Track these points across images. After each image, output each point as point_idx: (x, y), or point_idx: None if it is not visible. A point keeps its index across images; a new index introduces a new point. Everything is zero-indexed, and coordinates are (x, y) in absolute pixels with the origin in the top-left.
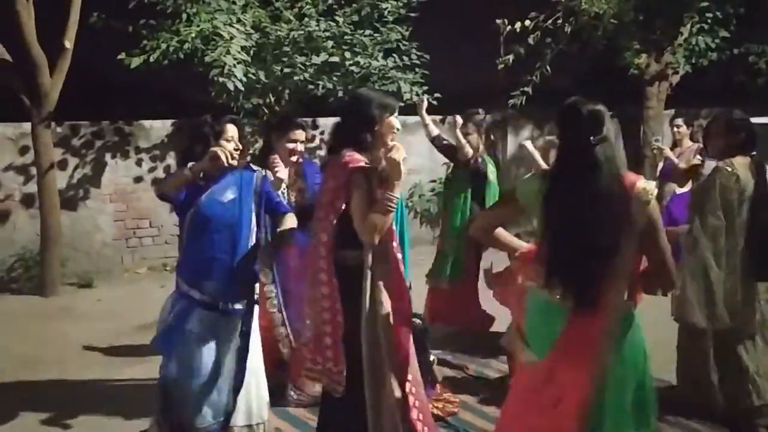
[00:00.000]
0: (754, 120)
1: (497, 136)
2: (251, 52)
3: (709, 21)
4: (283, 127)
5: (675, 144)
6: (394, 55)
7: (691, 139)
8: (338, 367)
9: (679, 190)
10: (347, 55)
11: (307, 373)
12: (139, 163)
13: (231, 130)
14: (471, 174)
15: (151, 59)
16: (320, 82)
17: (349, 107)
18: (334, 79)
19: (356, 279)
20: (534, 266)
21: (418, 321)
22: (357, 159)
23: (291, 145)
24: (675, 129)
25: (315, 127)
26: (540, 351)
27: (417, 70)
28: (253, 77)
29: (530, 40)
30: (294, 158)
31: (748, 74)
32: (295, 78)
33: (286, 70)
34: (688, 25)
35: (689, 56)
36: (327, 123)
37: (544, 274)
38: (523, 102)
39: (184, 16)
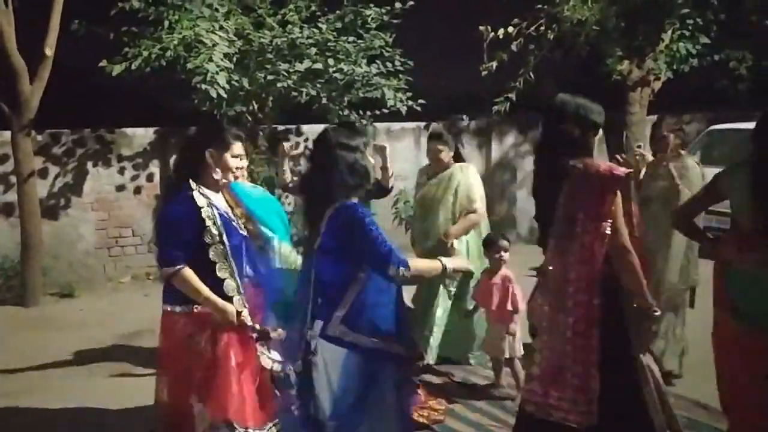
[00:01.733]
0: (736, 125)
1: (482, 142)
2: (234, 59)
3: (690, 27)
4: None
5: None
6: (378, 61)
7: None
8: (588, 395)
9: None
10: (331, 61)
11: (532, 408)
12: (121, 171)
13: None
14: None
15: (133, 66)
16: (304, 89)
17: (575, 113)
18: (318, 86)
19: (617, 295)
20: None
21: None
22: (615, 167)
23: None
24: None
25: (299, 134)
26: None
27: (401, 76)
28: (236, 84)
29: (513, 47)
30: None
31: (730, 80)
32: (279, 85)
33: (270, 77)
34: (670, 32)
35: (671, 62)
36: (311, 130)
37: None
38: (507, 108)
39: (167, 23)
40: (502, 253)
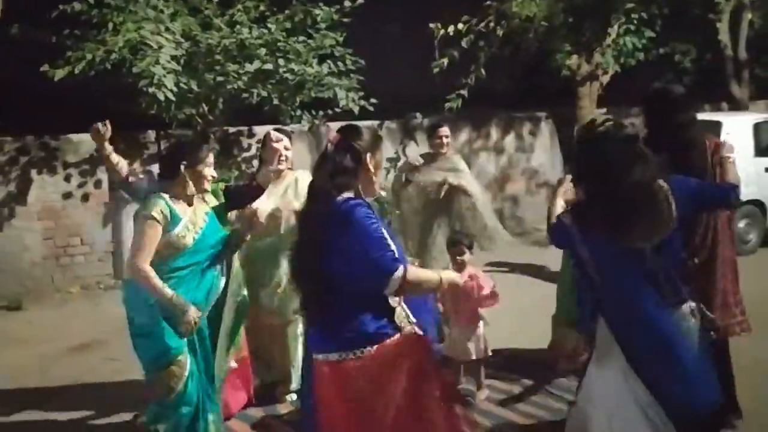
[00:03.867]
0: None
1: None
2: (182, 61)
3: (635, 22)
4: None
5: None
6: (329, 61)
7: None
8: None
9: None
10: (281, 62)
11: None
12: (67, 178)
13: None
14: None
15: (77, 70)
16: (254, 90)
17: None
18: (269, 86)
19: None
20: None
21: None
22: None
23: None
24: None
25: (251, 136)
26: None
27: (352, 76)
28: (185, 87)
29: (464, 44)
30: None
31: (675, 73)
32: (229, 86)
33: (219, 78)
34: (616, 27)
35: (617, 56)
36: (263, 132)
37: None
38: (460, 105)
39: (110, 25)
40: (466, 254)
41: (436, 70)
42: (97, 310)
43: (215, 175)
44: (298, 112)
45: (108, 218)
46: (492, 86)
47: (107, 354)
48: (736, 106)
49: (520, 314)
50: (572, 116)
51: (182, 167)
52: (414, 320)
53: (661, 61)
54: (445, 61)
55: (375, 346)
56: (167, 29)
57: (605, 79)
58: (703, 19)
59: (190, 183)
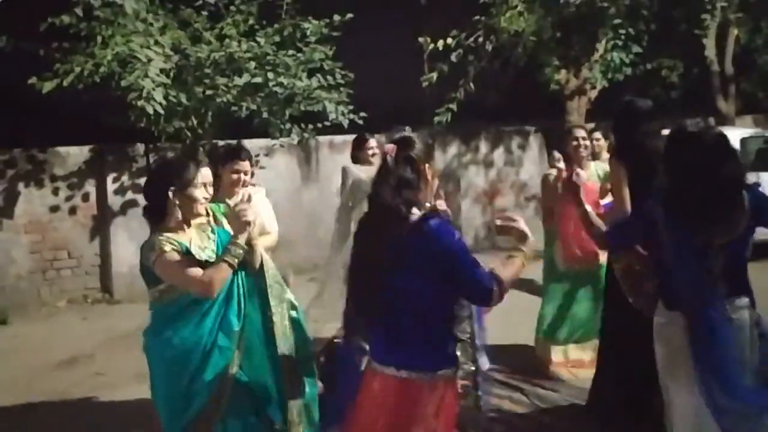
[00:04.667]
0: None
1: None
2: (171, 74)
3: (622, 37)
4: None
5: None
6: (318, 75)
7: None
8: None
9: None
10: (270, 75)
11: None
12: (55, 191)
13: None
14: None
15: (65, 83)
16: (244, 104)
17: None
18: (258, 100)
19: None
20: None
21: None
22: None
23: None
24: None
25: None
26: None
27: (342, 89)
28: (174, 100)
29: (453, 58)
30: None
31: (663, 88)
32: (218, 100)
33: (208, 92)
34: (604, 42)
35: (605, 71)
36: (252, 145)
37: None
38: (449, 119)
39: (99, 38)
40: None
41: (425, 83)
42: (84, 324)
43: (208, 195)
44: (288, 126)
45: (96, 231)
46: (481, 100)
47: (94, 368)
48: (723, 120)
49: (506, 323)
50: (561, 130)
51: (170, 193)
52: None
53: (648, 76)
54: (435, 75)
55: (445, 371)
56: (156, 42)
57: (593, 93)
58: (690, 35)
59: (180, 210)
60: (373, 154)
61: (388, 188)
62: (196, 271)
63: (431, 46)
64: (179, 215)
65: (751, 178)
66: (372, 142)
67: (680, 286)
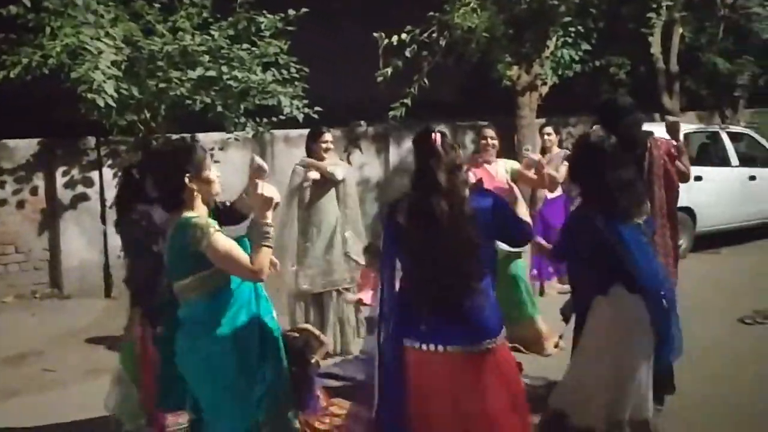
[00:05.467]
0: None
1: (380, 148)
2: (123, 66)
3: (572, 35)
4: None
5: (544, 150)
6: (273, 69)
7: (560, 146)
8: None
9: (551, 195)
10: (224, 69)
11: None
12: (2, 185)
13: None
14: None
15: (12, 75)
16: (198, 97)
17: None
18: (213, 93)
19: None
20: None
21: (295, 334)
22: None
23: (324, 145)
24: (545, 136)
25: (195, 142)
26: None
27: (297, 83)
28: (126, 93)
29: (407, 53)
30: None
31: (611, 84)
32: (171, 93)
33: (162, 85)
34: (554, 39)
35: (556, 68)
36: (207, 139)
37: None
38: (404, 113)
39: (48, 30)
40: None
41: (380, 79)
42: (33, 320)
43: (219, 174)
44: (242, 120)
45: (44, 226)
46: (435, 95)
47: (44, 364)
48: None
49: None
50: (512, 125)
51: (187, 180)
52: None
53: (596, 73)
54: (389, 70)
55: (497, 337)
56: (107, 34)
57: (544, 89)
58: (637, 33)
59: (199, 195)
60: (327, 149)
61: (443, 172)
62: (245, 255)
63: (386, 41)
64: (199, 200)
65: (694, 172)
66: (327, 136)
67: (642, 273)
